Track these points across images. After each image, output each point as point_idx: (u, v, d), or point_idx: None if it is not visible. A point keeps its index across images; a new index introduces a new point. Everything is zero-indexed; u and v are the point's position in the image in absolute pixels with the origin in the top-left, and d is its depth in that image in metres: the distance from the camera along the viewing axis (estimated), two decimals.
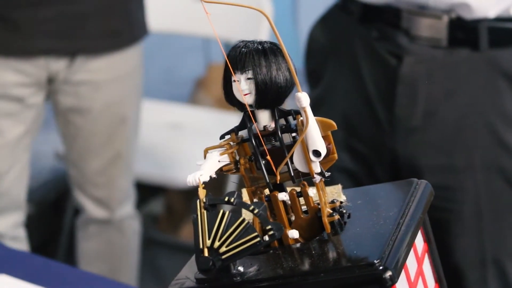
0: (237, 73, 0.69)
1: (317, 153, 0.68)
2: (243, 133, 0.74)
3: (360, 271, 0.64)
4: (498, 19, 1.33)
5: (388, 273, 0.63)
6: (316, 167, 0.69)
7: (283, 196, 0.71)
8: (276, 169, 0.71)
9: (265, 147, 0.70)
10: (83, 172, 1.95)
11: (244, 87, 0.69)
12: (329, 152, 0.69)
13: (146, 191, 2.87)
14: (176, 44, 3.01)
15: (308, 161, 0.70)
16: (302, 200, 0.72)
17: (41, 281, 1.25)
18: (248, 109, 0.71)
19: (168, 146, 2.53)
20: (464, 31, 1.33)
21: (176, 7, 2.63)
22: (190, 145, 2.52)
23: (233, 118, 2.59)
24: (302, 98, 0.66)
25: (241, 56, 0.69)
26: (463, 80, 1.37)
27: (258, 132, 0.71)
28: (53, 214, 2.69)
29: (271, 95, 0.69)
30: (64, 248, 2.58)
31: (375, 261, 0.63)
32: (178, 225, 2.90)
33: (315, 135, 0.68)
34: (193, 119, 2.69)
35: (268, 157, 0.71)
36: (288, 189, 0.73)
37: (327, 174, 0.71)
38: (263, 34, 2.44)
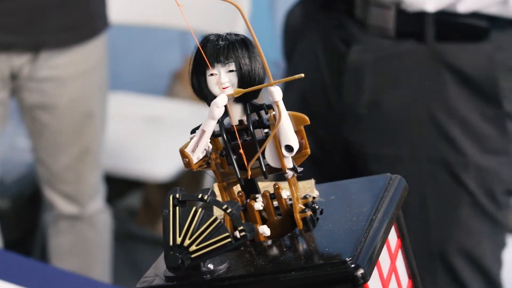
0: (216, 66, 0.67)
1: (289, 148, 0.67)
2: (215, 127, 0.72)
3: (331, 269, 0.63)
4: (445, 13, 1.32)
5: (360, 271, 0.62)
6: (289, 162, 0.68)
7: (259, 206, 0.70)
8: (248, 164, 0.70)
9: (239, 141, 0.68)
10: (51, 168, 1.94)
11: (224, 79, 0.67)
12: (301, 147, 0.68)
13: (124, 185, 2.86)
14: (153, 37, 2.98)
15: (280, 156, 0.68)
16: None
17: (13, 279, 1.24)
18: (228, 104, 0.69)
19: (145, 140, 2.52)
20: (411, 22, 1.33)
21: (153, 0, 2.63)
22: (167, 138, 2.51)
23: None
24: (275, 92, 0.65)
25: (223, 48, 0.67)
26: (408, 71, 1.37)
27: (234, 127, 0.69)
28: (29, 209, 2.66)
29: (252, 87, 0.68)
30: (40, 243, 2.55)
31: (347, 258, 0.62)
32: (156, 219, 2.88)
33: (287, 129, 0.67)
34: (171, 112, 2.67)
35: (241, 151, 0.69)
36: (261, 187, 0.72)
37: (300, 169, 0.69)
38: (239, 25, 2.42)
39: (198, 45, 0.69)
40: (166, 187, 2.69)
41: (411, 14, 1.34)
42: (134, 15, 2.59)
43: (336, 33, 1.40)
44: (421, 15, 1.33)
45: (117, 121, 2.46)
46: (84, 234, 2.06)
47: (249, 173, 0.69)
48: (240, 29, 2.47)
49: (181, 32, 2.90)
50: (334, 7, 1.42)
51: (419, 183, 1.37)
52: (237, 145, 0.69)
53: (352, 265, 0.62)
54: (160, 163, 2.39)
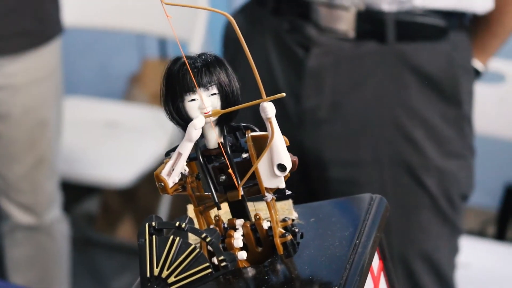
0: (196, 91, 0.65)
1: (282, 167, 0.65)
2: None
3: None
4: (404, 13, 1.32)
5: None
6: (281, 183, 0.66)
7: (239, 243, 0.67)
8: (239, 184, 0.67)
9: (227, 160, 0.66)
10: (6, 178, 1.89)
11: (207, 104, 0.65)
12: (294, 166, 0.66)
13: (81, 191, 2.81)
14: (109, 40, 2.94)
15: (259, 180, 0.66)
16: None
17: None
18: (219, 131, 0.66)
19: (103, 145, 2.47)
20: (371, 23, 1.33)
21: (109, 2, 2.56)
22: (126, 143, 2.48)
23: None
24: (268, 108, 0.63)
25: (203, 72, 0.65)
26: (370, 72, 1.36)
27: (223, 150, 0.66)
28: None
29: (233, 106, 0.66)
30: None
31: None
32: (115, 225, 2.85)
33: (280, 148, 0.65)
34: (128, 116, 2.63)
35: (230, 171, 0.66)
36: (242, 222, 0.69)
37: (288, 192, 0.67)
38: (198, 29, 2.41)
39: (184, 56, 0.65)
40: (125, 192, 2.66)
41: (370, 15, 1.33)
42: (89, 18, 2.55)
43: (292, 37, 1.38)
44: (380, 16, 1.32)
45: (74, 126, 2.42)
46: (42, 244, 2.02)
47: (240, 193, 0.67)
48: (198, 31, 2.45)
49: (138, 35, 2.87)
50: (286, 11, 1.39)
51: (380, 186, 1.37)
52: (225, 166, 0.67)
53: None
54: (118, 169, 2.35)
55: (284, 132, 1.37)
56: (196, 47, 2.40)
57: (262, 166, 0.65)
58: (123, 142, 2.48)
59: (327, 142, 1.36)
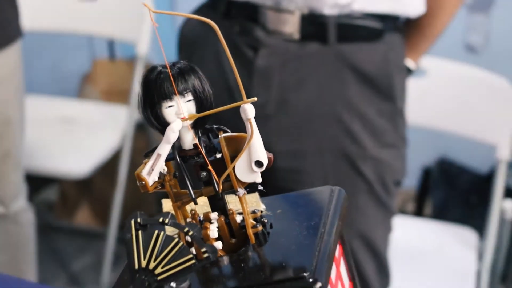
0: (173, 98, 0.64)
1: (259, 164, 0.65)
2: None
3: (292, 284, 0.61)
4: (343, 16, 1.33)
5: (318, 285, 0.61)
6: (258, 177, 0.66)
7: (214, 234, 0.67)
8: (219, 179, 0.66)
9: (207, 160, 0.65)
10: None
11: (184, 110, 0.64)
12: (270, 162, 0.65)
13: (41, 180, 2.77)
14: (61, 42, 2.90)
15: (232, 176, 0.66)
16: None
17: None
18: (194, 133, 0.65)
19: (60, 139, 2.44)
20: (314, 26, 1.33)
21: (62, 7, 2.51)
22: (81, 137, 2.46)
23: (120, 111, 2.51)
24: (248, 110, 0.63)
25: (176, 79, 0.64)
26: (313, 71, 1.36)
27: (202, 150, 0.65)
28: None
29: (207, 110, 0.66)
30: None
31: (305, 273, 0.61)
32: (73, 211, 2.84)
33: (258, 146, 0.65)
34: (83, 112, 2.60)
35: (210, 168, 0.65)
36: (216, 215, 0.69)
37: (260, 187, 0.67)
38: (144, 32, 2.37)
39: (167, 65, 0.64)
40: (81, 182, 2.63)
41: (313, 19, 1.33)
42: (43, 22, 2.49)
43: (242, 39, 1.37)
44: (322, 19, 1.33)
45: (33, 122, 2.35)
46: (9, 231, 1.99)
47: (220, 187, 0.66)
48: (145, 35, 2.40)
49: (88, 37, 2.82)
50: (236, 14, 1.39)
51: (322, 173, 1.38)
52: (205, 163, 0.66)
53: (310, 279, 0.61)
54: (75, 161, 2.33)
55: (235, 127, 1.38)
56: (143, 48, 2.36)
57: (240, 163, 0.65)
58: (78, 136, 2.46)
59: (274, 135, 1.36)
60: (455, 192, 2.42)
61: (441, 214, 2.37)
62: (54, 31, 2.55)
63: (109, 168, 2.49)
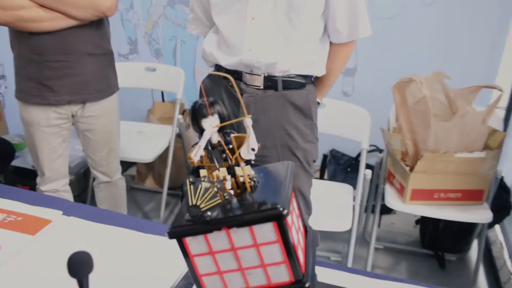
0: (208, 116, 0.77)
1: (253, 149, 0.78)
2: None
3: (270, 212, 0.74)
4: (285, 76, 1.68)
5: (285, 211, 0.73)
6: (251, 156, 0.78)
7: (229, 185, 0.79)
8: (238, 153, 0.76)
9: (225, 148, 0.79)
10: (93, 159, 2.35)
11: (214, 123, 0.79)
12: (258, 149, 0.78)
13: (128, 163, 3.66)
14: (137, 92, 3.70)
15: (238, 157, 0.79)
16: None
17: (78, 215, 1.41)
18: (218, 134, 0.78)
19: (137, 142, 3.11)
20: (271, 81, 1.68)
21: (136, 72, 3.19)
22: (148, 141, 3.12)
23: (168, 128, 3.17)
24: (248, 122, 0.75)
25: (210, 107, 0.77)
26: (270, 105, 1.68)
27: (223, 143, 0.80)
28: (83, 179, 3.25)
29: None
30: (90, 197, 3.17)
31: (278, 205, 0.73)
32: (144, 180, 3.88)
33: (252, 140, 0.77)
34: (149, 129, 3.29)
35: (228, 151, 0.78)
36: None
37: (252, 162, 0.79)
38: (180, 86, 3.31)
39: (206, 101, 0.74)
40: (149, 164, 3.43)
41: (270, 78, 1.66)
42: (127, 81, 3.15)
43: (233, 88, 1.68)
44: (275, 78, 1.66)
45: (123, 133, 3.03)
46: (113, 191, 2.51)
47: (233, 162, 0.78)
48: (180, 87, 3.26)
49: (150, 89, 3.43)
50: (230, 75, 1.62)
51: (277, 157, 1.69)
52: (224, 150, 0.79)
53: (281, 208, 0.72)
54: (145, 153, 3.20)
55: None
56: (179, 95, 3.01)
57: (243, 149, 0.77)
58: (146, 141, 3.26)
59: None
60: (340, 167, 3.19)
61: (333, 178, 3.10)
62: (133, 87, 3.09)
63: (162, 156, 2.99)
